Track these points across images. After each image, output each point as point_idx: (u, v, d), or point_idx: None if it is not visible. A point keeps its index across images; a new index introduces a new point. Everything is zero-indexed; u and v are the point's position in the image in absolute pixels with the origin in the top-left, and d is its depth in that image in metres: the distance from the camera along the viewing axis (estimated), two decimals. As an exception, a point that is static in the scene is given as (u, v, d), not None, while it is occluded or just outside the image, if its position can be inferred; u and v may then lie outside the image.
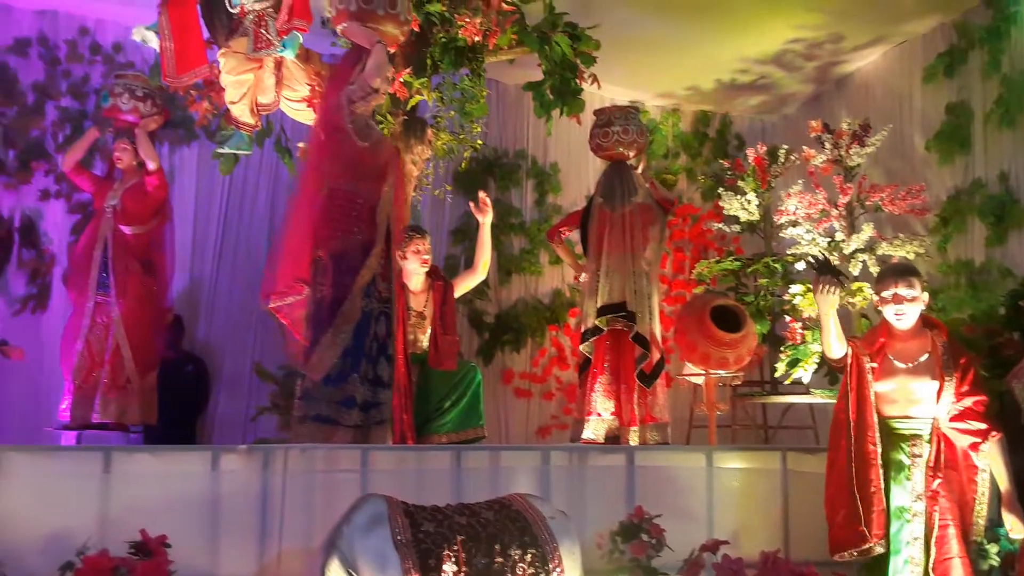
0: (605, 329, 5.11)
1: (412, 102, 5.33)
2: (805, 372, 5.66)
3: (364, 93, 4.27)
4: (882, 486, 3.62)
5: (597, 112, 5.70)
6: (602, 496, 3.92)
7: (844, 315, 4.90)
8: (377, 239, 4.29)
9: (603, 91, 5.99)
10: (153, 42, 4.89)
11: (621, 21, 6.24)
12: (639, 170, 5.57)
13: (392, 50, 4.60)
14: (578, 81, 5.40)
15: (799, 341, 5.71)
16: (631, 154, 5.49)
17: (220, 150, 5.45)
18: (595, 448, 4.49)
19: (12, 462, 3.47)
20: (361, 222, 4.22)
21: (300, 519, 3.57)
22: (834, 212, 5.83)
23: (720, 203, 6.49)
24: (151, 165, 5.44)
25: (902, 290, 3.64)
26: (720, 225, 6.60)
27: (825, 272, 3.71)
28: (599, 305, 5.11)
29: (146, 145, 5.46)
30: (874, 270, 5.55)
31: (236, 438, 6.24)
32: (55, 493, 3.44)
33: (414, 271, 4.92)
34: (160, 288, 5.52)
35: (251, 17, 5.02)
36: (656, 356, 5.09)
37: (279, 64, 5.13)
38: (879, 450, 3.64)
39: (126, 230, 5.36)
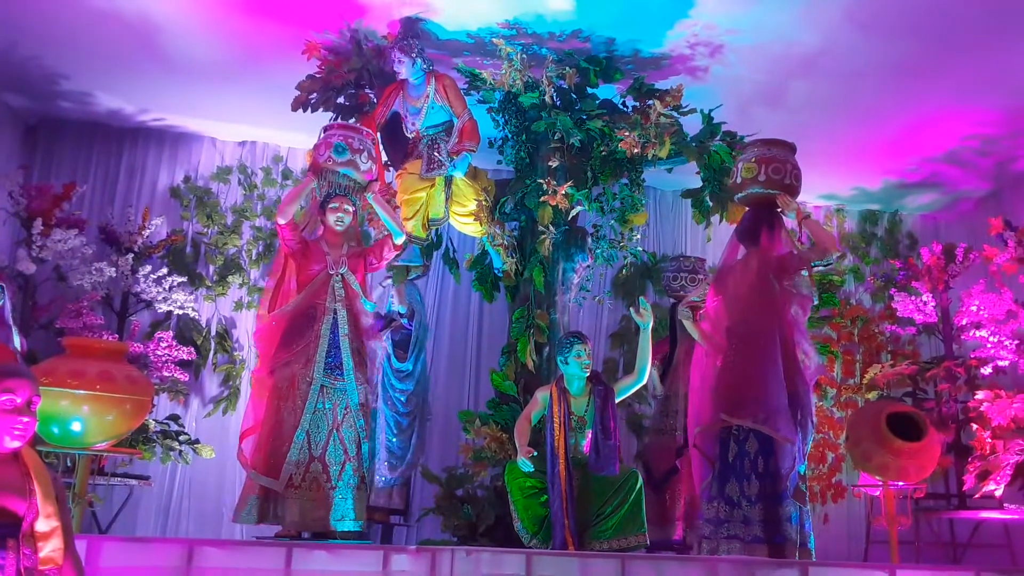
0: None
1: (573, 212, 5.53)
2: (997, 485, 5.23)
3: (824, 258, 4.56)
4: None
5: (683, 258, 6.26)
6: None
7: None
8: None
9: (763, 195, 5.96)
10: None
11: (780, 125, 6.25)
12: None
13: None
14: (737, 187, 5.45)
15: (988, 451, 5.31)
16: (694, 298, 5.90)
17: (394, 263, 5.83)
18: (767, 561, 4.28)
19: (204, 555, 3.73)
20: (792, 362, 4.46)
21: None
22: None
23: (892, 304, 6.23)
24: (401, 236, 4.75)
25: None
26: (893, 327, 6.33)
27: None
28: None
29: (391, 211, 4.82)
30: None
31: (400, 538, 6.39)
32: (242, 585, 3.66)
33: (575, 376, 5.00)
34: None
35: (425, 141, 5.46)
36: None
37: (449, 182, 5.51)
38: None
39: (362, 305, 4.59)
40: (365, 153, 4.77)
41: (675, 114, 5.51)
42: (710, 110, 5.53)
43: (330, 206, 4.64)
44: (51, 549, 2.52)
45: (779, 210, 4.68)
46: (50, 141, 7.10)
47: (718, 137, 5.49)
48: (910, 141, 6.79)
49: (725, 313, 4.61)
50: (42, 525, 2.51)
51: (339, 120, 5.59)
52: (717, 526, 4.34)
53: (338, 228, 4.64)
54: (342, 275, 4.54)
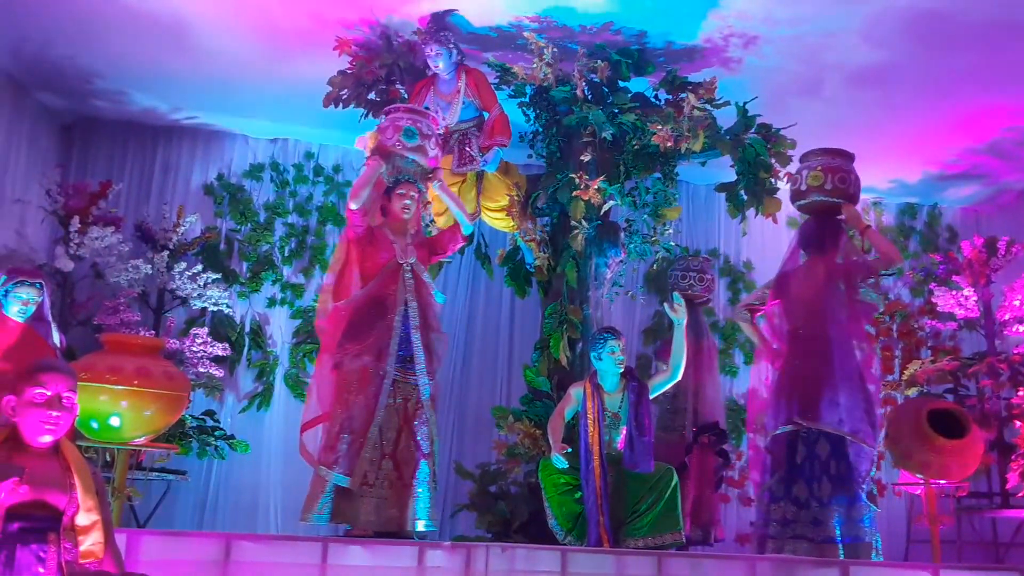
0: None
1: (606, 207, 5.48)
2: (1043, 484, 5.11)
3: (888, 268, 4.74)
4: None
5: (691, 257, 6.40)
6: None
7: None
8: None
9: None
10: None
11: (816, 117, 6.16)
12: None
13: None
14: (773, 180, 5.37)
15: (1034, 449, 5.19)
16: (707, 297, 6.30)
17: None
18: (807, 560, 4.22)
19: (241, 549, 3.75)
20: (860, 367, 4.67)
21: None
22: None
23: (932, 299, 6.12)
24: (470, 228, 4.64)
25: None
26: (933, 323, 6.21)
27: None
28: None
29: (459, 201, 4.71)
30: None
31: (434, 534, 6.39)
32: (278, 581, 3.67)
33: (609, 372, 4.96)
34: None
35: (456, 136, 5.45)
36: None
37: (480, 177, 5.49)
38: None
39: (432, 296, 4.44)
40: (432, 139, 4.58)
41: (708, 107, 5.42)
42: (745, 103, 5.44)
43: (397, 192, 4.46)
44: (91, 542, 2.54)
45: (840, 218, 4.72)
46: (85, 140, 7.18)
47: (753, 130, 5.40)
48: (950, 132, 6.64)
49: (786, 317, 4.64)
50: (83, 519, 2.54)
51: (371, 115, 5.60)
52: (784, 526, 4.38)
53: (405, 216, 4.45)
54: (411, 265, 4.36)
